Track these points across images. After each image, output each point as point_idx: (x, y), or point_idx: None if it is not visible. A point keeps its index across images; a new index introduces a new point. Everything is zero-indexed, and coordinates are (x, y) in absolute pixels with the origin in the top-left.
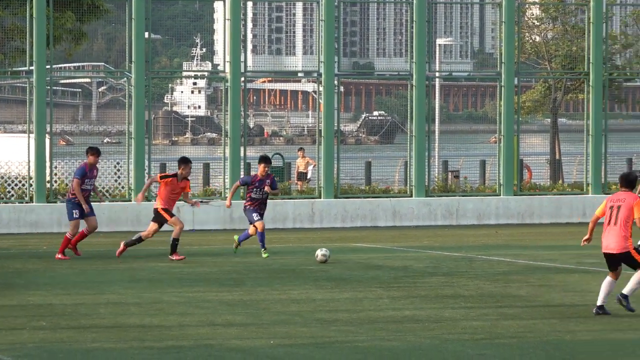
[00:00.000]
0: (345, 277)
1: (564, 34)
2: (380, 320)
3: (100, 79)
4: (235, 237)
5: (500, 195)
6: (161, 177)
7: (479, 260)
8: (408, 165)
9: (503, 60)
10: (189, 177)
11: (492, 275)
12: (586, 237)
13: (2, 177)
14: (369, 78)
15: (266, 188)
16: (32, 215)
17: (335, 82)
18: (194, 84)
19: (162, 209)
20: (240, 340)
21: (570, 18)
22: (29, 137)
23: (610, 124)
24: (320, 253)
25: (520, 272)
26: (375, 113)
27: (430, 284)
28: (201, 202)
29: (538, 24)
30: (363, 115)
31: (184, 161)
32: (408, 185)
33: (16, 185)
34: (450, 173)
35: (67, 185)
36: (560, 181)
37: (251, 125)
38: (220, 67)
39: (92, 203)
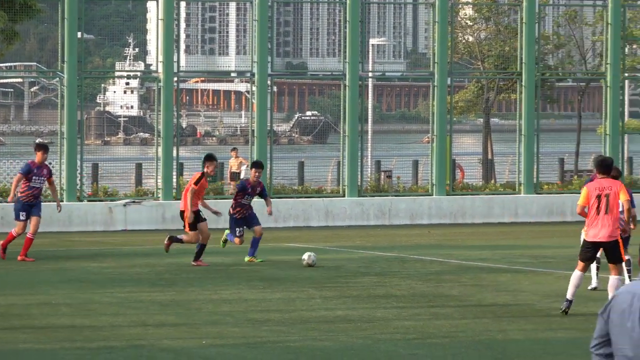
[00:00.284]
0: (278, 277)
1: (496, 34)
2: (312, 320)
3: (32, 79)
4: (224, 237)
5: (432, 195)
6: (195, 183)
7: (411, 260)
8: (341, 165)
9: (436, 60)
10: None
11: (424, 275)
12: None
13: None
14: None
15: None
16: None
17: (269, 82)
18: (127, 84)
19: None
20: (172, 341)
21: (503, 18)
22: None
23: (542, 123)
24: (306, 257)
25: (453, 271)
26: (308, 113)
27: (363, 284)
28: (133, 202)
29: (471, 24)
30: (296, 115)
31: (211, 158)
32: (341, 185)
33: None
34: (383, 173)
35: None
36: (492, 181)
37: (184, 126)
38: (153, 67)
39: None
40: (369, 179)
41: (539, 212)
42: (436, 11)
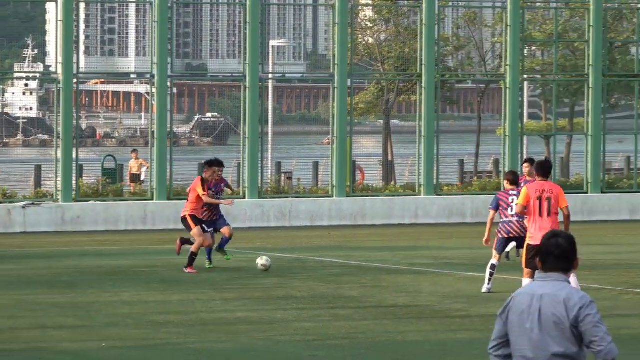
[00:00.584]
0: (178, 279)
1: (396, 35)
2: (212, 322)
3: None
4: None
5: (333, 196)
6: (203, 189)
7: (311, 261)
8: (241, 166)
9: (336, 62)
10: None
11: (324, 277)
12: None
13: None
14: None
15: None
16: None
17: (168, 84)
18: (26, 85)
19: (190, 216)
20: (71, 343)
21: (403, 20)
22: None
23: (442, 125)
24: (260, 262)
25: (353, 273)
26: (209, 115)
27: (263, 286)
28: (32, 204)
29: (371, 25)
30: (196, 117)
31: (211, 164)
32: (241, 186)
33: None
34: (283, 174)
35: None
36: (392, 182)
37: (83, 127)
38: (53, 69)
39: None
40: (269, 181)
41: (439, 213)
42: (336, 13)
